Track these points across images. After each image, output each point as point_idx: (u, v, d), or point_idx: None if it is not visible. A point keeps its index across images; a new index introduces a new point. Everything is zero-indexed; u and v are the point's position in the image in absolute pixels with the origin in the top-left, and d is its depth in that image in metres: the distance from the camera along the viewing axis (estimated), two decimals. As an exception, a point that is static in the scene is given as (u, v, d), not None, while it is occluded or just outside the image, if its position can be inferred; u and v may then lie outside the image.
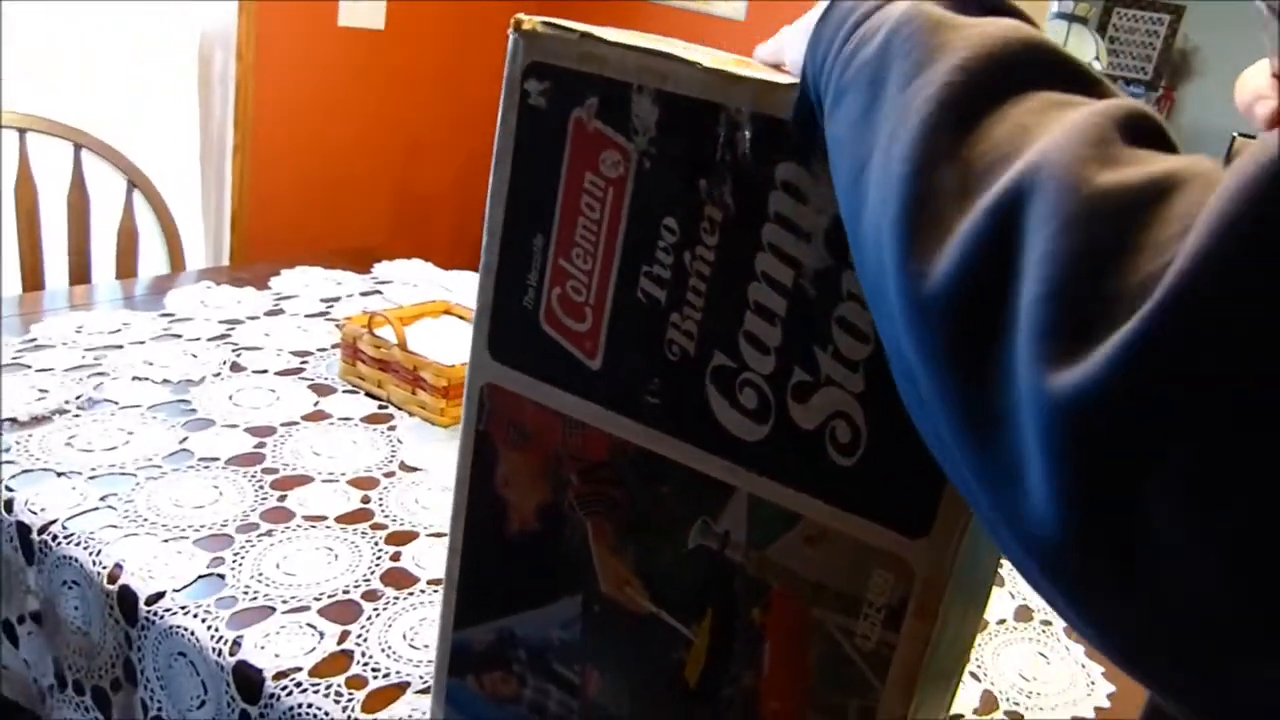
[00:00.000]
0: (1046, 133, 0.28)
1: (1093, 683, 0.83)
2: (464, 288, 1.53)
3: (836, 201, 0.37)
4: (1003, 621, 0.90)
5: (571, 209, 0.48)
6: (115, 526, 0.85)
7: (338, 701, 0.70)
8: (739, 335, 0.45)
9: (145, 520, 0.86)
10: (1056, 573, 0.25)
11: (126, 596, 0.79)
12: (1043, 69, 0.31)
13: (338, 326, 1.33)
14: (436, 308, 1.28)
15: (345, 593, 0.81)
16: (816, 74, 0.40)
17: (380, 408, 1.13)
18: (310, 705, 0.70)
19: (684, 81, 0.44)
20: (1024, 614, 0.92)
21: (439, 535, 0.91)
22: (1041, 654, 0.86)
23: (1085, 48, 3.43)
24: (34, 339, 1.17)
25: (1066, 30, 3.39)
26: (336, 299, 1.44)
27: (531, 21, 0.47)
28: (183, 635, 0.75)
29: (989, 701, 0.79)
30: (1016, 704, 0.80)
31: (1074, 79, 0.31)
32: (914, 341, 0.29)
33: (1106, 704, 0.81)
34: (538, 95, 0.48)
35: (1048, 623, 0.91)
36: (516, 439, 0.54)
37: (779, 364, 0.45)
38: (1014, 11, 0.36)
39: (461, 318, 1.28)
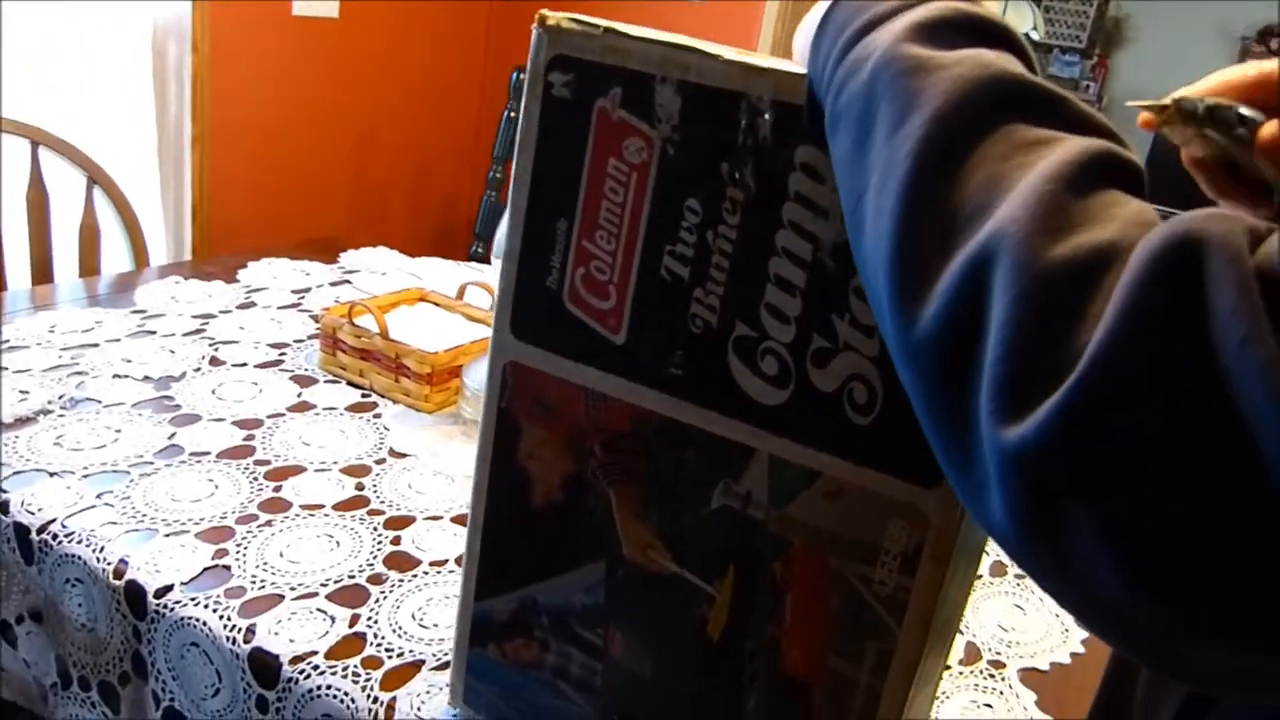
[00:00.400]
0: (1014, 186, 0.33)
1: (1067, 630, 0.88)
2: (434, 274, 1.55)
3: None
4: (979, 577, 0.95)
5: (595, 193, 0.51)
6: (115, 523, 0.86)
7: (356, 681, 0.72)
8: (760, 307, 0.49)
9: (145, 516, 0.87)
10: (1016, 559, 0.32)
11: (134, 591, 0.80)
12: (1011, 103, 0.36)
13: (312, 317, 1.34)
14: (412, 295, 1.29)
15: (351, 577, 0.83)
16: (817, 79, 0.44)
17: (363, 396, 1.14)
18: (330, 687, 0.72)
19: (706, 72, 0.47)
20: (999, 569, 0.98)
21: (435, 519, 0.93)
22: (1018, 606, 0.91)
23: (1023, 19, 3.53)
24: (7, 340, 1.16)
25: (1004, 3, 3.48)
26: (307, 289, 1.45)
27: (555, 18, 0.50)
28: (195, 626, 0.77)
29: (973, 652, 0.84)
30: (998, 653, 0.84)
31: (1040, 106, 0.36)
32: (905, 374, 0.35)
33: (1081, 650, 0.86)
34: (561, 86, 0.50)
35: (1021, 577, 0.96)
36: (539, 413, 0.57)
37: (799, 332, 0.48)
38: (993, 32, 0.40)
39: (438, 304, 1.29)
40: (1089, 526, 0.28)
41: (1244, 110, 0.43)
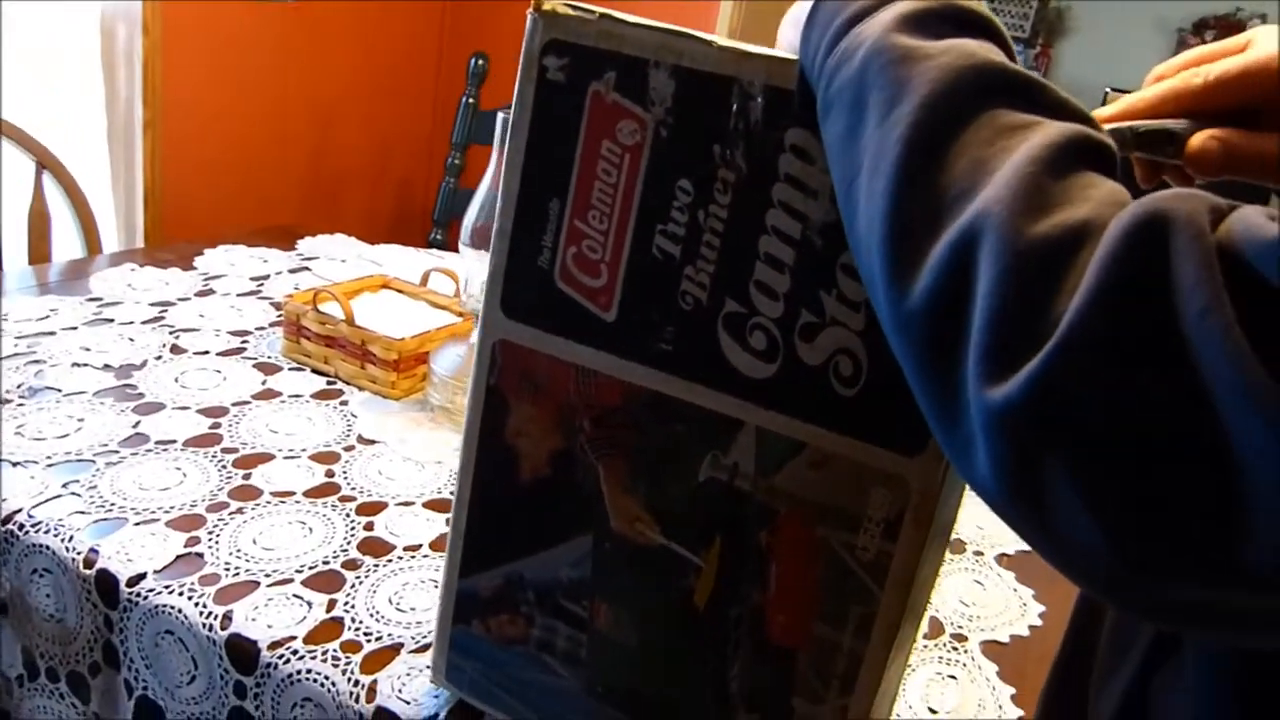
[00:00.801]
0: (998, 169, 0.35)
1: (1025, 604, 0.92)
2: (394, 261, 1.55)
3: None
4: (939, 555, 0.98)
5: (588, 174, 0.53)
6: (83, 513, 0.85)
7: (336, 665, 0.72)
8: (750, 284, 0.50)
9: (113, 505, 0.86)
10: (998, 510, 0.35)
11: (105, 580, 0.79)
12: (994, 90, 0.39)
13: (273, 305, 1.33)
14: (374, 282, 1.29)
15: (326, 563, 0.83)
16: (808, 68, 0.46)
17: (329, 383, 1.14)
18: (310, 671, 0.72)
19: (699, 58, 0.49)
20: (958, 546, 1.01)
21: (407, 504, 0.93)
22: (978, 582, 0.95)
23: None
24: (-41, 330, 1.14)
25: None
26: (266, 277, 1.44)
27: (551, 3, 0.51)
28: (169, 614, 0.77)
29: (936, 627, 0.87)
30: (960, 627, 0.87)
31: (1020, 93, 0.39)
32: (897, 345, 0.38)
33: (1039, 622, 0.89)
34: (556, 70, 0.52)
35: (980, 553, 1.00)
36: (528, 391, 0.58)
37: (787, 308, 0.50)
38: (976, 23, 0.42)
39: (401, 291, 1.29)
40: (1065, 477, 0.31)
41: (1171, 126, 0.46)
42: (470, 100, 2.09)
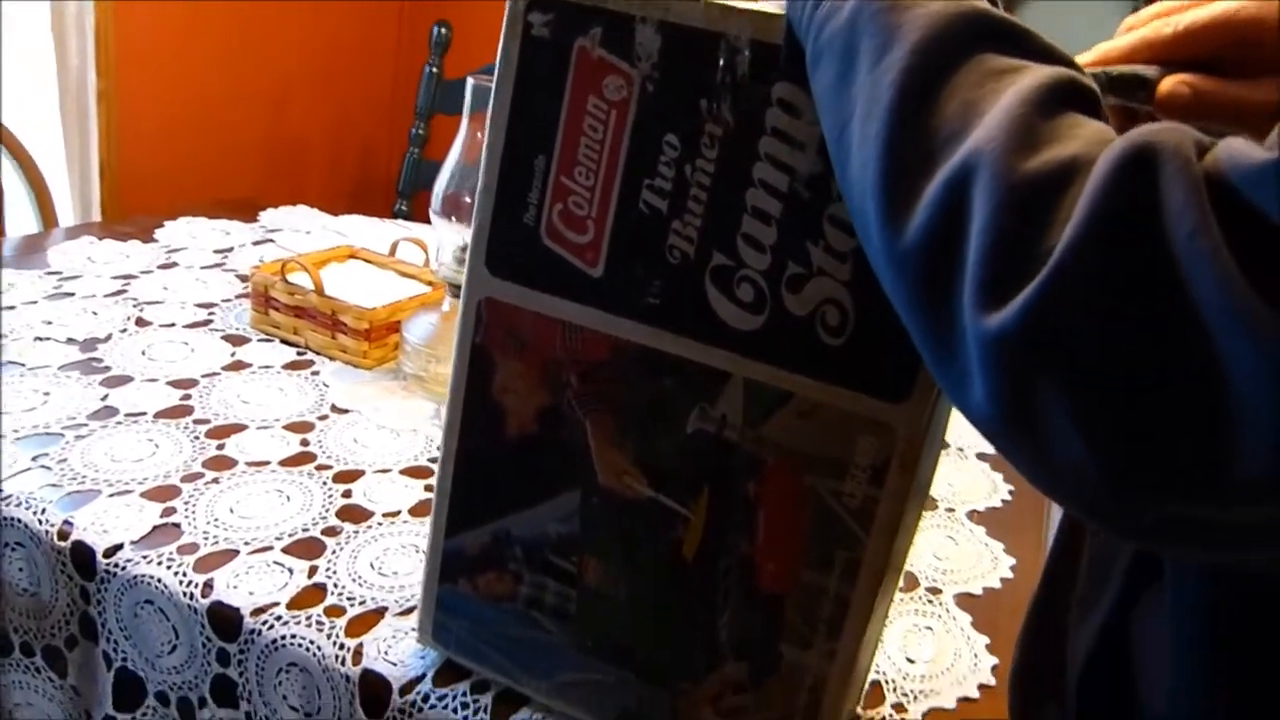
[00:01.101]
0: (988, 109, 0.37)
1: (995, 558, 0.94)
2: (360, 232, 1.53)
3: None
4: (910, 512, 1.00)
5: (574, 130, 0.53)
6: (55, 485, 0.84)
7: (321, 629, 0.72)
8: (737, 237, 0.51)
9: (85, 477, 0.85)
10: (992, 437, 0.36)
11: (81, 552, 0.79)
12: (983, 36, 0.40)
13: (239, 277, 1.32)
14: (342, 252, 1.28)
15: (305, 530, 0.83)
16: (796, 21, 0.47)
17: (299, 354, 1.13)
18: (295, 636, 0.72)
19: (685, 14, 0.49)
20: (930, 503, 1.03)
21: (384, 471, 0.93)
22: (950, 537, 0.97)
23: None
24: (-85, 304, 1.12)
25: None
26: (229, 249, 1.42)
27: (536, -44, 0.51)
28: (148, 584, 0.76)
29: (911, 580, 0.89)
30: (935, 581, 0.89)
31: (1008, 38, 0.40)
32: (892, 283, 0.39)
33: (1010, 575, 0.92)
34: (540, 26, 0.52)
35: (951, 510, 1.02)
36: (514, 348, 0.59)
37: (774, 260, 0.51)
38: None
39: (369, 261, 1.28)
40: (1059, 401, 0.32)
41: (1142, 72, 0.47)
42: (434, 69, 2.07)
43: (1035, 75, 0.37)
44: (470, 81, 0.99)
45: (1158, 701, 0.45)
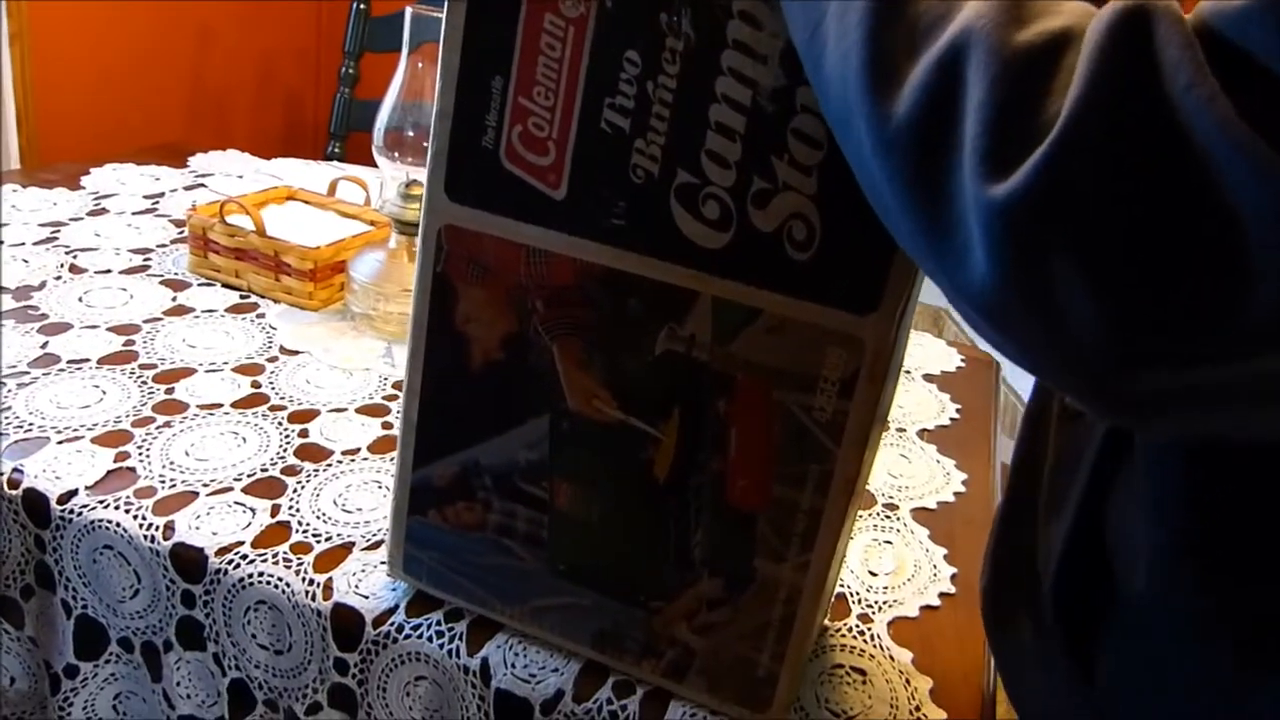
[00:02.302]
0: None
1: (948, 474, 0.96)
2: (294, 174, 1.49)
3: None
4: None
5: (531, 49, 0.52)
6: (1, 434, 0.82)
7: (289, 566, 0.72)
8: (701, 153, 0.51)
9: (32, 425, 0.83)
10: (992, 313, 0.36)
11: (34, 500, 0.77)
12: None
13: (172, 222, 1.28)
14: (279, 193, 1.25)
15: (264, 470, 0.82)
16: None
17: (242, 297, 1.11)
18: (262, 574, 0.72)
19: (644, -80, 0.48)
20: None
21: (339, 410, 0.92)
22: (903, 456, 0.99)
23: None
24: None
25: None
26: (160, 194, 1.38)
27: None
28: (107, 528, 0.75)
29: (869, 498, 0.91)
30: (891, 498, 0.92)
31: None
32: (882, 168, 0.39)
33: (962, 489, 0.94)
34: (495, -62, 0.50)
35: (902, 430, 1.04)
36: (477, 276, 0.58)
37: (739, 176, 0.51)
38: None
39: (307, 202, 1.26)
40: (1069, 263, 0.33)
41: None
42: (361, 6, 2.00)
43: None
44: (409, 11, 0.97)
45: (1138, 581, 0.47)
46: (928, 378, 1.18)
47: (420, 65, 1.00)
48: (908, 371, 1.18)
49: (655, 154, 0.52)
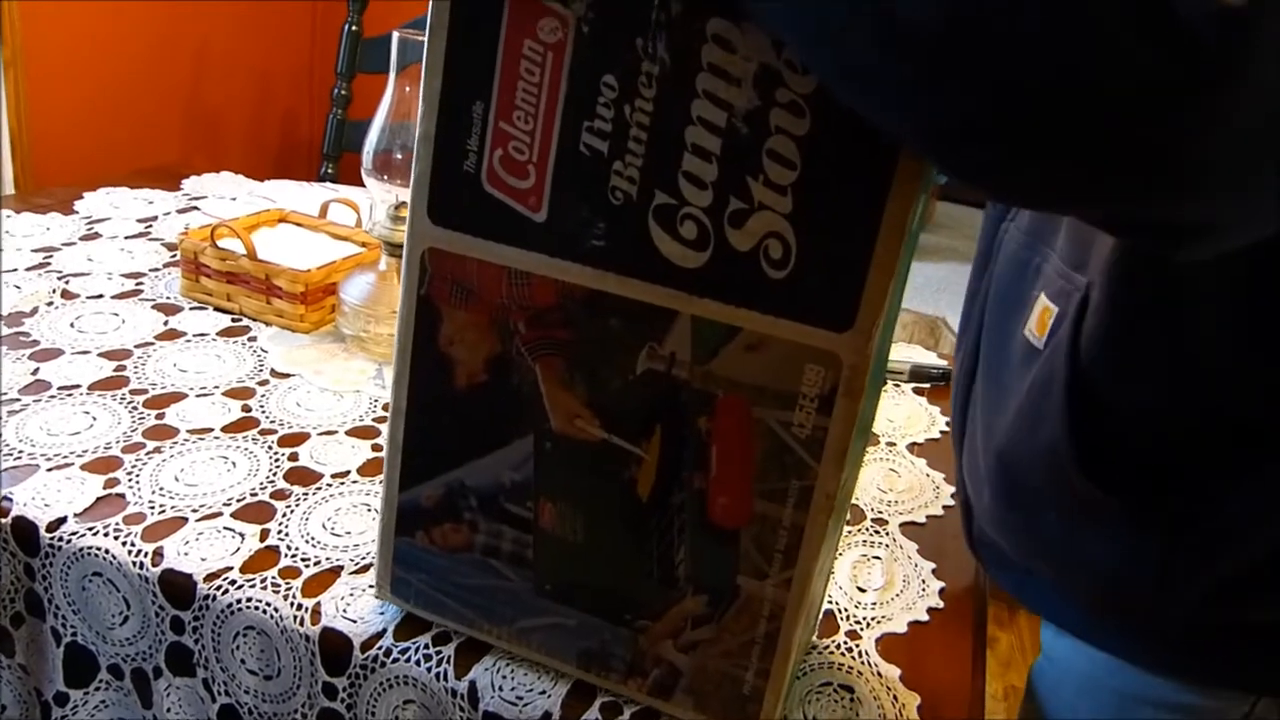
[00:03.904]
0: None
1: (937, 487, 0.97)
2: (287, 196, 1.50)
3: (761, 50, 0.46)
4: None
5: (511, 74, 0.52)
6: (-11, 461, 0.82)
7: (277, 591, 0.72)
8: (678, 175, 0.51)
9: (21, 453, 0.83)
10: (921, 58, 0.37)
11: (23, 528, 0.77)
12: None
13: (165, 245, 1.28)
14: (271, 216, 1.26)
15: (254, 495, 0.82)
16: None
17: (234, 321, 1.11)
18: (250, 599, 0.72)
19: (617, -52, 0.49)
20: (873, 440, 1.05)
21: (329, 433, 0.93)
22: (893, 470, 0.99)
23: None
24: None
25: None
26: (153, 218, 1.38)
27: (465, -106, 0.50)
28: (96, 555, 0.75)
29: (858, 513, 0.91)
30: (880, 512, 0.92)
31: None
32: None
33: (951, 503, 0.94)
34: (472, -34, 0.51)
35: (892, 444, 1.04)
36: (460, 298, 0.58)
37: (716, 196, 0.51)
38: None
39: (299, 224, 1.26)
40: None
41: None
42: (353, 28, 2.02)
43: None
44: (396, 35, 0.98)
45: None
46: (917, 391, 1.19)
47: (408, 88, 1.01)
48: (897, 385, 1.19)
49: (633, 176, 0.52)
